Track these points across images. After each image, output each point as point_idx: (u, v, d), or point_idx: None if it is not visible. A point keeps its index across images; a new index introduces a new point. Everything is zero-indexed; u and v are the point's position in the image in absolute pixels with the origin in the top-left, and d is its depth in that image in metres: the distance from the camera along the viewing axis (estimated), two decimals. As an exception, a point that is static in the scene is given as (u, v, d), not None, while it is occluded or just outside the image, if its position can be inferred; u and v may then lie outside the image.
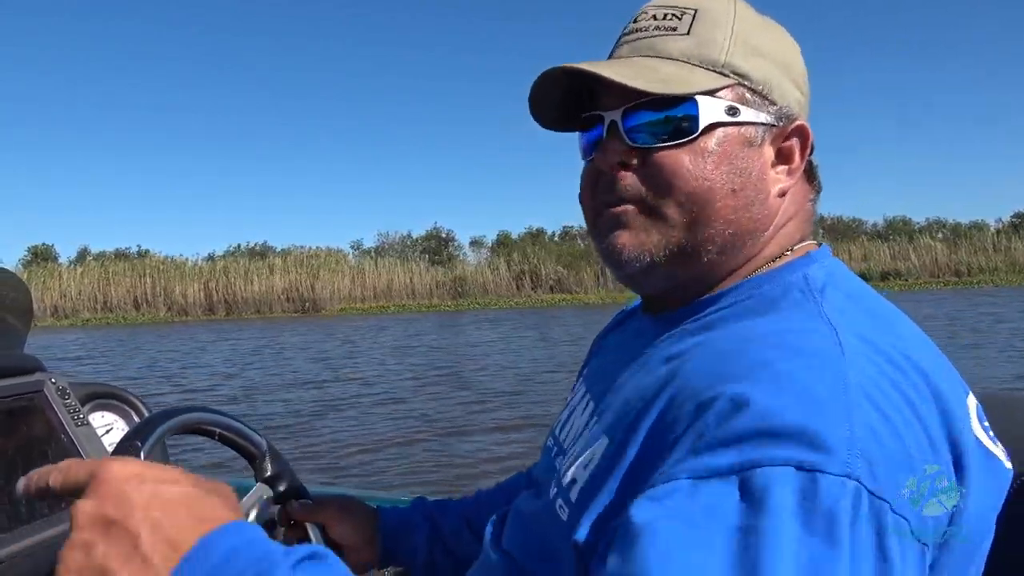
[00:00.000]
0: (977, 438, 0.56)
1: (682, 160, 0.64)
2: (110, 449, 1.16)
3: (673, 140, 0.64)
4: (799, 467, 0.46)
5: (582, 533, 0.62)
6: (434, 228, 38.43)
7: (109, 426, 1.29)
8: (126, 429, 1.28)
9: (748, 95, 0.65)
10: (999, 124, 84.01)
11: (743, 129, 0.65)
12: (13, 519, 1.01)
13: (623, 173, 0.66)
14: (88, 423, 1.16)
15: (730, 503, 0.46)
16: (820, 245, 0.71)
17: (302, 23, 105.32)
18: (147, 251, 37.54)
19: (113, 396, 1.30)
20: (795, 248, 0.69)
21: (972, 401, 0.59)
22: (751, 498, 0.46)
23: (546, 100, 0.71)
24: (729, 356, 0.55)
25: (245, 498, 1.04)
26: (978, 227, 36.55)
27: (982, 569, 0.58)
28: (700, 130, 0.63)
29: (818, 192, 0.73)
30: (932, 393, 0.54)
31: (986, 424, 0.59)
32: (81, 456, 1.12)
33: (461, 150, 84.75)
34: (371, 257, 35.01)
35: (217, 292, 30.85)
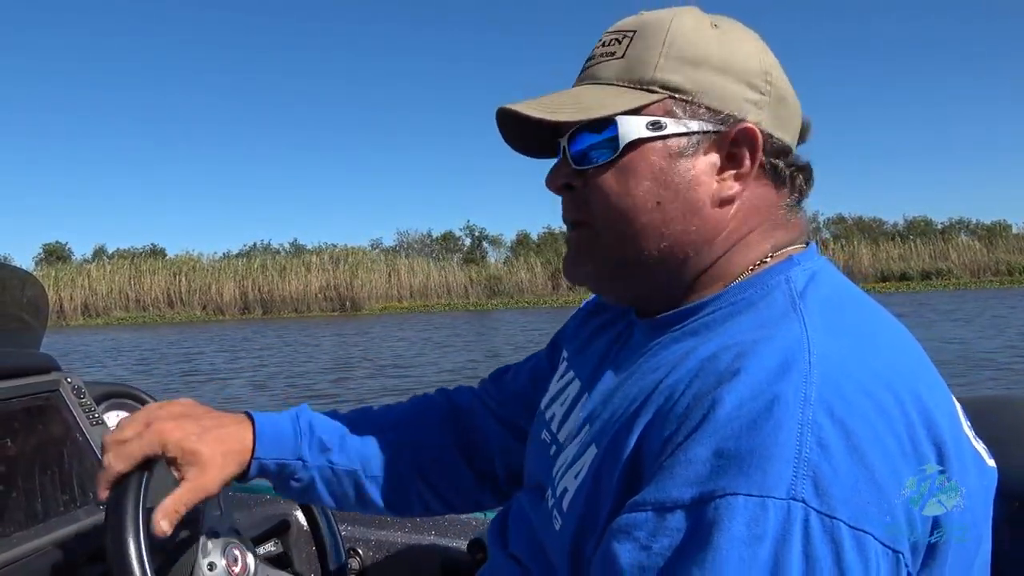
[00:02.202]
0: (966, 438, 0.57)
1: (607, 180, 0.66)
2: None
3: (601, 161, 0.66)
4: (748, 495, 0.48)
5: (571, 544, 0.63)
6: (467, 226, 38.48)
7: (123, 425, 1.30)
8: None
9: (676, 107, 0.65)
10: (1007, 125, 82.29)
11: (670, 142, 0.65)
12: (31, 517, 1.02)
13: (569, 196, 0.70)
14: (103, 422, 1.17)
15: (687, 536, 0.50)
16: (808, 245, 0.70)
17: (306, 26, 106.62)
18: (163, 249, 38.06)
19: (127, 396, 1.31)
20: (775, 254, 0.68)
21: (956, 404, 0.59)
22: (705, 530, 0.48)
23: (521, 134, 0.74)
24: (702, 370, 0.56)
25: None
26: (1002, 227, 36.52)
27: None
28: (620, 149, 0.65)
29: (793, 195, 0.70)
30: (912, 396, 0.53)
31: (968, 424, 0.59)
32: (96, 455, 1.13)
33: (473, 150, 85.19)
34: (401, 256, 35.13)
35: (253, 291, 30.99)
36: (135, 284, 31.10)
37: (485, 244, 38.26)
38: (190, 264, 32.57)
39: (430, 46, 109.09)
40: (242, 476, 0.81)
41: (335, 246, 35.38)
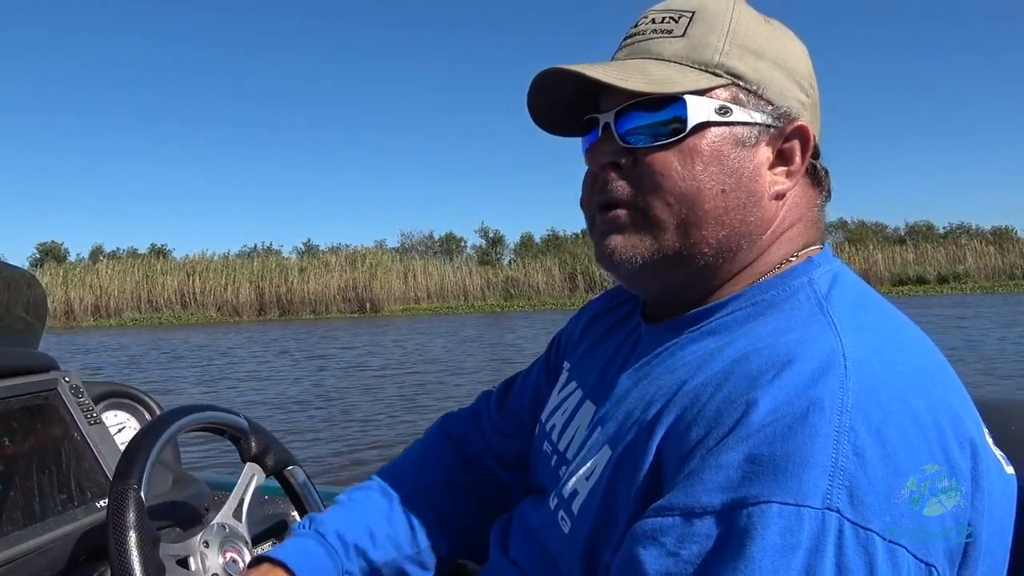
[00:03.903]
0: (988, 446, 0.55)
1: (671, 161, 0.63)
2: (122, 447, 1.16)
3: (663, 140, 0.63)
4: (783, 503, 0.46)
5: (585, 546, 0.62)
6: (481, 227, 38.40)
7: (122, 425, 1.30)
8: (138, 427, 1.29)
9: (742, 95, 0.64)
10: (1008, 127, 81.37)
11: (735, 129, 0.63)
12: (28, 516, 1.02)
13: (615, 174, 0.66)
14: (101, 421, 1.17)
15: (718, 543, 0.48)
16: (823, 246, 0.69)
17: (307, 28, 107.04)
18: (163, 248, 37.80)
19: (125, 395, 1.31)
20: (799, 253, 0.67)
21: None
22: (737, 538, 0.47)
23: (547, 104, 0.71)
24: (731, 373, 0.55)
25: (239, 481, 1.01)
26: (1008, 232, 36.83)
27: None
28: (689, 130, 0.62)
29: (826, 198, 0.71)
30: (942, 403, 0.52)
31: (987, 430, 0.57)
32: (94, 453, 1.13)
33: (475, 151, 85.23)
34: (414, 257, 35.09)
35: (269, 292, 30.85)
36: (148, 284, 30.78)
37: (501, 246, 38.14)
38: (203, 264, 32.28)
39: (430, 45, 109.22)
40: None
41: (348, 246, 35.37)
